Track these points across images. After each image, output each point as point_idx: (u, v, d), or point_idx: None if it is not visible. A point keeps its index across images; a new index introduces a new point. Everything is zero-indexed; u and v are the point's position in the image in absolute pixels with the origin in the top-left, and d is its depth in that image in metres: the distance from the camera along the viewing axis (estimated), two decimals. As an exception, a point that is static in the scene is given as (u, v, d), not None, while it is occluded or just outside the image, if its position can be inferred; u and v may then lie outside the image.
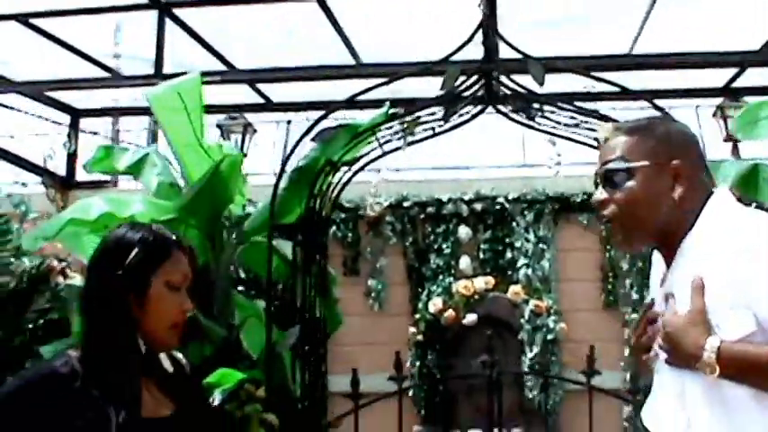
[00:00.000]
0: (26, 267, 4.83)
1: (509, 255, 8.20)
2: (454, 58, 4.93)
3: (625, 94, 5.18)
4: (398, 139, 5.03)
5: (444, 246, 8.22)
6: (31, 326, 4.93)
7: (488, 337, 5.48)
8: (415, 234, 8.33)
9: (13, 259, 4.92)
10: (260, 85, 8.03)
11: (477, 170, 8.58)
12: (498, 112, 5.13)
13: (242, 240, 5.36)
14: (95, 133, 9.08)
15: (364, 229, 8.30)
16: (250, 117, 8.70)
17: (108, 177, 8.57)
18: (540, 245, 8.11)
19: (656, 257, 2.30)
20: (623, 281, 8.04)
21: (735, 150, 7.90)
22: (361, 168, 5.18)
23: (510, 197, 8.26)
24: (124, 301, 2.29)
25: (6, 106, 8.37)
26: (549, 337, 7.73)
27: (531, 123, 5.12)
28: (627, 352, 7.77)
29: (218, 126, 8.60)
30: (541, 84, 4.82)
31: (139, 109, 8.71)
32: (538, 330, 7.75)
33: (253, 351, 5.04)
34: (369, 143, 4.97)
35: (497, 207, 8.27)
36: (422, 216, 8.33)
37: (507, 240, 8.24)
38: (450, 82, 4.81)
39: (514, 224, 8.22)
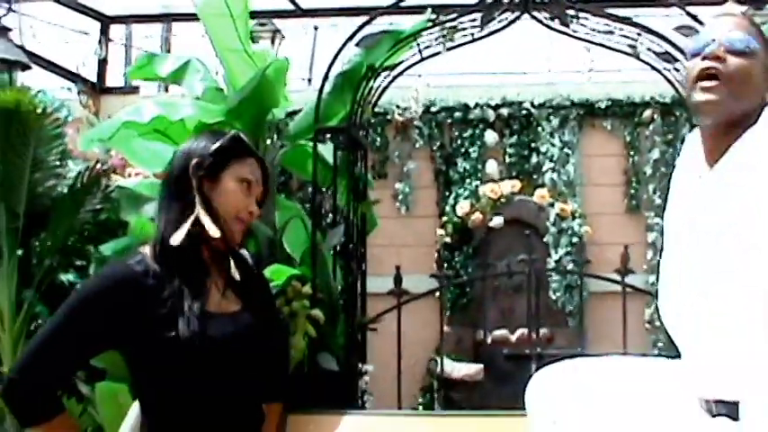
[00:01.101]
0: (80, 170, 4.97)
1: (534, 159, 8.33)
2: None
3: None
4: (438, 44, 5.15)
5: (471, 150, 8.34)
6: (81, 227, 5.10)
7: (527, 236, 5.60)
8: (443, 138, 8.45)
9: (59, 162, 5.06)
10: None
11: (503, 75, 8.59)
12: (534, 18, 5.22)
13: (283, 144, 5.49)
14: (111, 40, 9.13)
15: (392, 134, 8.42)
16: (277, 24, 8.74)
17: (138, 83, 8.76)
18: (565, 149, 8.22)
19: (693, 143, 2.34)
20: (646, 186, 8.18)
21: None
22: (401, 73, 5.31)
23: (536, 102, 8.36)
24: (199, 187, 2.50)
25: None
26: (575, 240, 7.91)
27: (566, 30, 5.22)
28: (650, 255, 7.94)
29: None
30: (579, -9, 4.92)
31: (168, 15, 8.81)
32: (563, 233, 7.93)
33: (294, 251, 5.21)
34: (410, 48, 5.08)
35: (523, 112, 8.37)
36: (449, 121, 8.45)
37: (533, 145, 8.36)
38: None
39: (540, 129, 8.32)
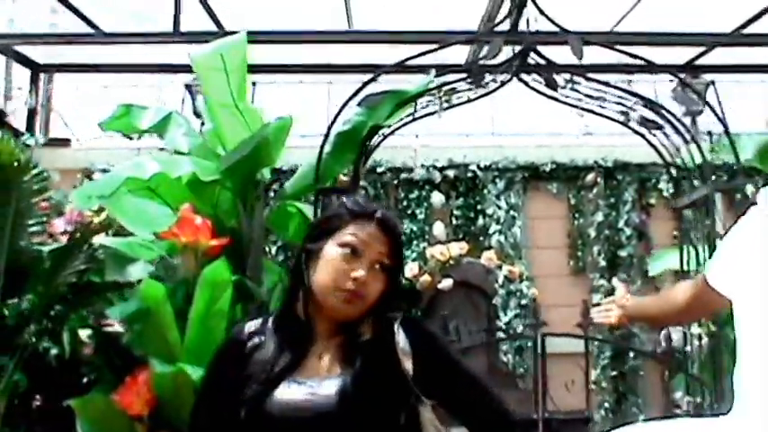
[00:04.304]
0: (75, 228, 4.68)
1: (481, 221, 8.38)
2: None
3: (649, 67, 5.33)
4: (433, 104, 5.13)
5: (418, 211, 8.33)
6: (65, 288, 4.77)
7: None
8: (389, 200, 8.41)
9: (45, 218, 4.76)
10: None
11: (449, 137, 8.60)
12: (522, 82, 5.24)
13: (268, 202, 5.34)
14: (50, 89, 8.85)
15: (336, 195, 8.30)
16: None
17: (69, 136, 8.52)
18: (511, 212, 8.31)
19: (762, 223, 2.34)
20: (590, 248, 8.31)
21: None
22: (392, 132, 5.28)
23: (482, 165, 8.42)
24: (306, 260, 2.38)
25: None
26: (523, 301, 7.93)
27: (554, 95, 5.25)
28: (593, 316, 7.98)
29: (186, 86, 8.49)
30: (580, 58, 4.95)
31: (100, 66, 8.54)
32: (512, 295, 7.95)
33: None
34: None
35: (469, 175, 8.43)
36: (395, 182, 8.42)
37: (479, 207, 8.42)
38: (493, 52, 4.91)
39: (486, 191, 8.38)
